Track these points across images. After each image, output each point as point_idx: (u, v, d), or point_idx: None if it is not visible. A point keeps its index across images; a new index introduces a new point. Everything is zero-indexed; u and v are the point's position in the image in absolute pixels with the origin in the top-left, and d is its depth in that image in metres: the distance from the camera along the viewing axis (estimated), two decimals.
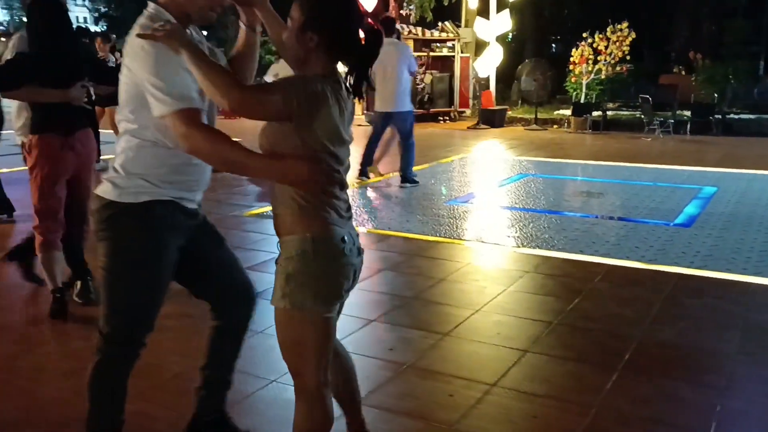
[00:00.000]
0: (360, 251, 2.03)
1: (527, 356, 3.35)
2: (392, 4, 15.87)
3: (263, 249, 5.12)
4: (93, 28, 27.65)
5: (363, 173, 7.98)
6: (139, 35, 1.95)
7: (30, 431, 2.71)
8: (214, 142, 1.90)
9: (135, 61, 1.97)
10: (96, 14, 31.74)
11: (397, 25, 8.96)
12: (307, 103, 1.82)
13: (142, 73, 1.95)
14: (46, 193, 3.72)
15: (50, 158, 3.67)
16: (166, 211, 2.11)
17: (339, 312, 2.07)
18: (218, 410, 2.51)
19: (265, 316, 3.79)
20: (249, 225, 5.92)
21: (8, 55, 4.05)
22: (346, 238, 1.94)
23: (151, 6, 2.05)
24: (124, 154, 2.10)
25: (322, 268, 1.91)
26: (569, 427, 2.72)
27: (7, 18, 33.38)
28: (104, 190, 2.11)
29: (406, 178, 7.81)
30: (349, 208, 2.01)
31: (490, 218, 6.47)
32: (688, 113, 13.57)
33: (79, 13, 44.06)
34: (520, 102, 17.20)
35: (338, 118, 1.89)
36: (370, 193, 7.66)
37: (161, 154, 2.07)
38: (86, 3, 34.36)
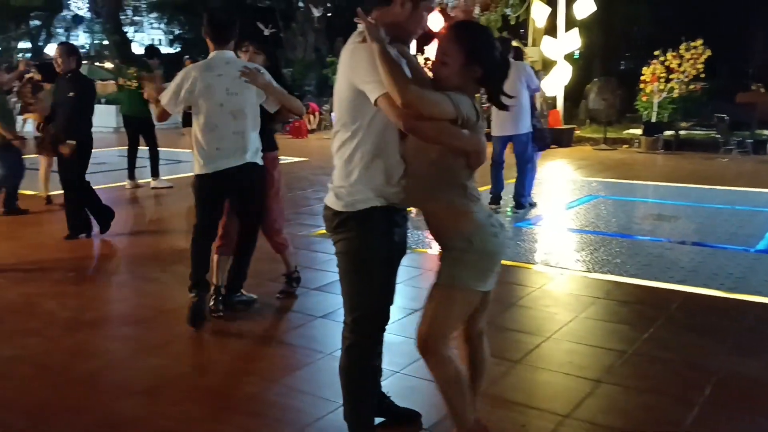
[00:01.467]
0: (502, 225, 2.45)
1: (601, 387, 3.25)
2: None
3: (331, 270, 5.15)
4: (166, 50, 28.76)
5: (519, 205, 7.50)
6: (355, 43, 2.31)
7: None
8: (428, 121, 2.19)
9: (351, 68, 2.29)
10: (171, 36, 32.95)
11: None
12: (471, 114, 2.25)
13: (358, 73, 2.26)
14: None
15: None
16: (385, 214, 2.39)
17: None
18: (377, 393, 2.80)
19: (332, 337, 3.84)
20: (317, 245, 5.99)
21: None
22: (493, 221, 2.39)
23: (360, 26, 2.35)
24: (346, 168, 2.38)
25: (486, 251, 2.33)
26: None
27: (89, 41, 35.00)
28: (331, 200, 2.44)
29: (520, 204, 7.46)
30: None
31: (559, 241, 6.35)
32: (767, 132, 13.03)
33: (154, 35, 45.91)
34: (588, 121, 16.87)
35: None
36: None
37: (377, 166, 2.35)
38: (161, 26, 35.76)
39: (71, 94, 6.10)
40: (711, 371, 3.40)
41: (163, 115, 4.13)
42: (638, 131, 14.21)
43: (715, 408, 3.04)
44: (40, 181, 8.00)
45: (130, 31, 33.50)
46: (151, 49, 9.71)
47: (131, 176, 9.11)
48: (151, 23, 36.76)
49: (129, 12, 32.86)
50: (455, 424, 2.54)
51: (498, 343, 3.82)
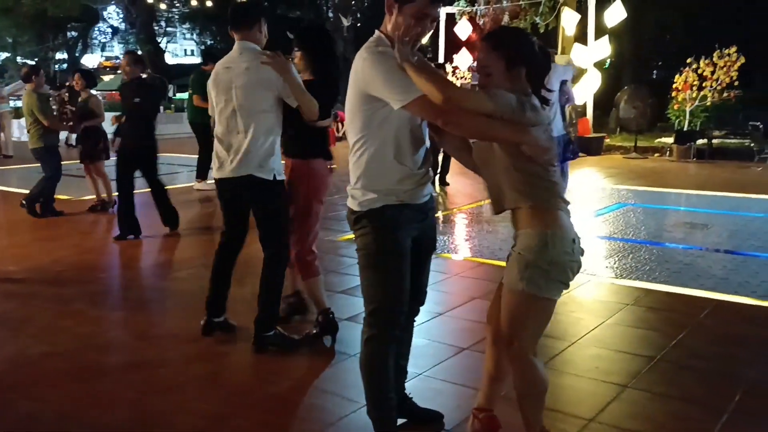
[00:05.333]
0: (583, 252, 2.41)
1: (627, 392, 3.22)
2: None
3: (356, 273, 5.16)
4: (198, 60, 29.20)
5: None
6: (370, 51, 2.38)
7: None
8: (465, 115, 2.24)
9: (365, 77, 2.37)
10: (203, 47, 33.48)
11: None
12: (515, 107, 2.23)
13: (375, 83, 2.34)
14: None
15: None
16: (396, 212, 2.47)
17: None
18: (400, 394, 2.83)
19: (357, 341, 3.84)
20: (343, 249, 6.02)
21: None
22: (575, 240, 2.34)
23: (375, 33, 2.48)
24: (358, 170, 2.49)
25: (557, 259, 2.29)
26: None
27: (123, 52, 35.75)
28: (349, 201, 2.55)
29: None
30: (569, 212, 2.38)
31: (587, 248, 6.25)
32: None
33: (187, 46, 46.63)
34: (618, 129, 16.71)
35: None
36: (464, 220, 7.62)
37: (387, 167, 2.44)
38: (194, 36, 36.36)
39: (137, 100, 6.43)
40: (741, 379, 3.34)
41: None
42: (670, 140, 14.04)
43: (744, 416, 2.98)
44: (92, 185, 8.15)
45: (163, 41, 34.11)
46: (208, 54, 9.84)
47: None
48: (184, 34, 37.39)
49: (162, 23, 33.48)
50: (526, 430, 2.54)
51: None
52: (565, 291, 2.45)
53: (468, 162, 2.52)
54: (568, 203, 2.37)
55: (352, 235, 2.60)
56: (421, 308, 2.79)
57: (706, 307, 4.41)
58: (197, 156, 9.53)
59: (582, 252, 2.40)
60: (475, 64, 16.30)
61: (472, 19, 16.17)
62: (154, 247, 6.40)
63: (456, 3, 16.74)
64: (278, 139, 3.61)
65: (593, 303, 4.66)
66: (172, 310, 4.54)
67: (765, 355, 3.66)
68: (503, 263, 5.55)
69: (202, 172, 9.45)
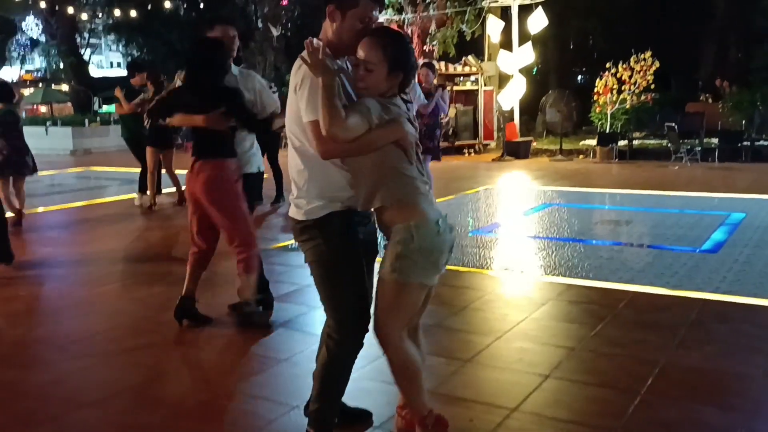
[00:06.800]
0: (452, 228, 2.51)
1: (549, 381, 3.35)
2: (415, 40, 16.14)
3: (288, 281, 5.19)
4: (124, 73, 28.49)
5: None
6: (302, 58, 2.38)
7: None
8: (344, 145, 2.32)
9: (299, 82, 2.39)
10: (129, 59, 32.67)
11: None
12: (381, 115, 2.36)
13: (302, 92, 2.37)
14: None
15: None
16: (343, 218, 2.48)
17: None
18: None
19: (289, 344, 3.88)
20: (274, 257, 6.00)
21: None
22: (440, 221, 2.44)
23: (315, 41, 2.43)
24: (302, 178, 2.48)
25: (423, 246, 2.39)
26: None
27: (44, 65, 34.50)
28: (293, 211, 2.55)
29: None
30: (429, 188, 2.50)
31: (515, 247, 6.48)
32: (715, 141, 13.47)
33: (113, 58, 45.42)
34: (545, 133, 17.23)
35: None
36: None
37: (332, 172, 2.44)
38: (120, 48, 35.47)
39: None
40: (653, 363, 3.52)
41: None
42: (593, 142, 14.56)
43: (656, 397, 3.15)
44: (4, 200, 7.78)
45: (87, 53, 33.15)
46: (133, 67, 9.55)
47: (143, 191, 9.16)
48: (109, 45, 36.38)
49: (86, 34, 32.53)
50: (411, 411, 2.62)
51: (448, 344, 3.90)
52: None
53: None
54: (427, 192, 2.48)
55: (284, 243, 2.62)
56: None
57: (623, 299, 4.62)
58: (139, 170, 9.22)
59: (451, 229, 2.52)
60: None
61: (400, 28, 16.40)
62: (76, 261, 6.23)
63: (384, 12, 16.95)
64: None
65: (519, 299, 4.81)
66: (95, 324, 4.44)
67: (675, 339, 3.86)
68: None
69: (142, 187, 9.17)
